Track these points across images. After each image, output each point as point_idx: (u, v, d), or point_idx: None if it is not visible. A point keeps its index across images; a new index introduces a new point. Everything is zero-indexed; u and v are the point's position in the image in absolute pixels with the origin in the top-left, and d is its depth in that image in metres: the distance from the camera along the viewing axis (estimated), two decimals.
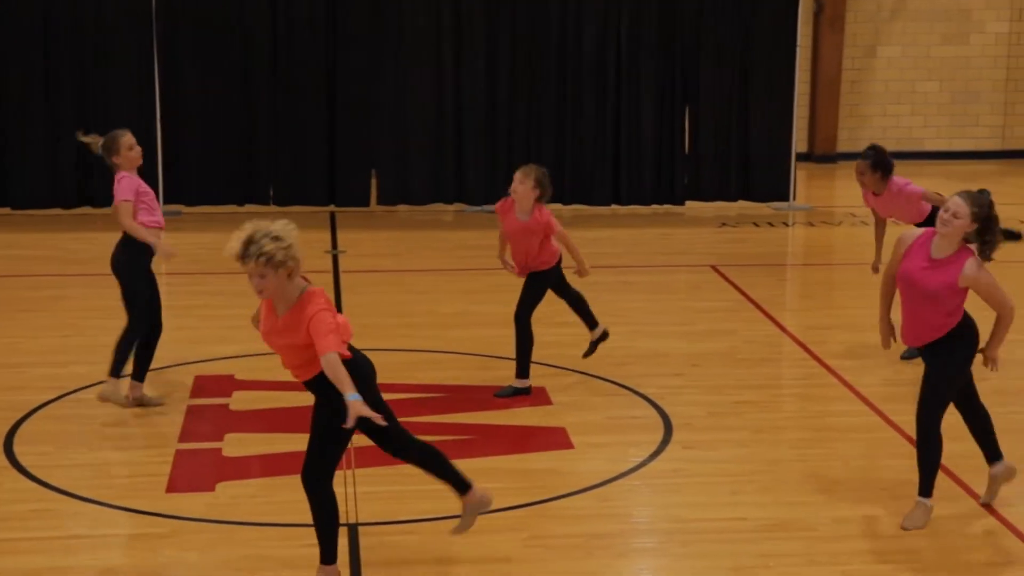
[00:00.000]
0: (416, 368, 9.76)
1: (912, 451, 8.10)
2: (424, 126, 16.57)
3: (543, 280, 9.26)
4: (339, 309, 9.13)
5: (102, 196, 14.98)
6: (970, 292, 6.87)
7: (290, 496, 7.16)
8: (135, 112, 15.65)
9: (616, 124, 16.79)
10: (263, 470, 7.93)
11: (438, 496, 6.79)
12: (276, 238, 5.72)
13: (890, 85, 21.62)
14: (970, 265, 6.79)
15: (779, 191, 17.16)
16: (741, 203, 17.20)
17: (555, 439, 8.47)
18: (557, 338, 10.17)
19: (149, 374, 9.04)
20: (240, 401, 9.12)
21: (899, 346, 8.95)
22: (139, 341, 8.88)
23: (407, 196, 16.81)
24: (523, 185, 9.02)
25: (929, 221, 9.66)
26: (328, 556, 6.21)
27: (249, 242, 5.73)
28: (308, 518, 6.27)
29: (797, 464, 8.05)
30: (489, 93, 16.58)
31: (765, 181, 17.13)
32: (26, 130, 16.00)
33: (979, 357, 7.03)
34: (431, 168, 16.69)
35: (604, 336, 9.71)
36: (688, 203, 17.12)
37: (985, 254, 6.85)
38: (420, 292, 12.54)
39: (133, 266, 8.75)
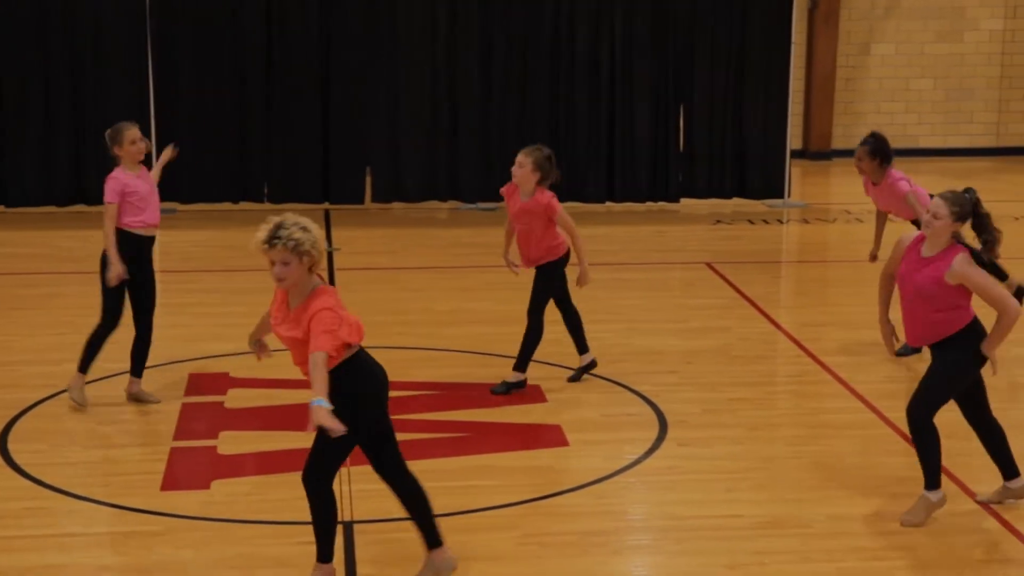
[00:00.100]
0: (411, 366, 9.75)
1: (907, 448, 8.13)
2: (418, 124, 16.57)
3: (551, 272, 9.17)
4: None
5: (96, 194, 14.86)
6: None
7: (285, 494, 7.16)
8: (129, 110, 15.59)
9: (611, 121, 16.80)
10: (258, 468, 7.93)
11: (434, 494, 6.78)
12: (304, 229, 5.88)
13: (884, 82, 21.63)
14: (958, 261, 6.80)
15: (774, 188, 17.18)
16: (736, 200, 17.21)
17: (550, 436, 8.47)
18: (552, 335, 10.13)
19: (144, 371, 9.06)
20: (235, 399, 9.11)
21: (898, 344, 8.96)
22: (134, 338, 8.92)
23: (401, 193, 16.81)
24: (522, 169, 8.94)
25: None
26: (324, 554, 6.21)
27: (279, 227, 5.87)
28: (303, 516, 6.27)
29: (792, 461, 8.05)
30: (483, 91, 16.58)
31: (760, 178, 17.14)
32: (20, 128, 15.97)
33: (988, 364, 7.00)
34: (425, 165, 16.69)
35: (592, 364, 9.57)
36: (683, 200, 17.12)
37: (987, 252, 6.86)
38: (415, 289, 12.53)
39: (106, 262, 8.75)
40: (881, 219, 10.38)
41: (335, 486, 6.18)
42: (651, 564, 6.79)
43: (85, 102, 15.97)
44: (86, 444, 8.35)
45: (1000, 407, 7.39)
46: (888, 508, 7.26)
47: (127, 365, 9.04)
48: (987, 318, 6.93)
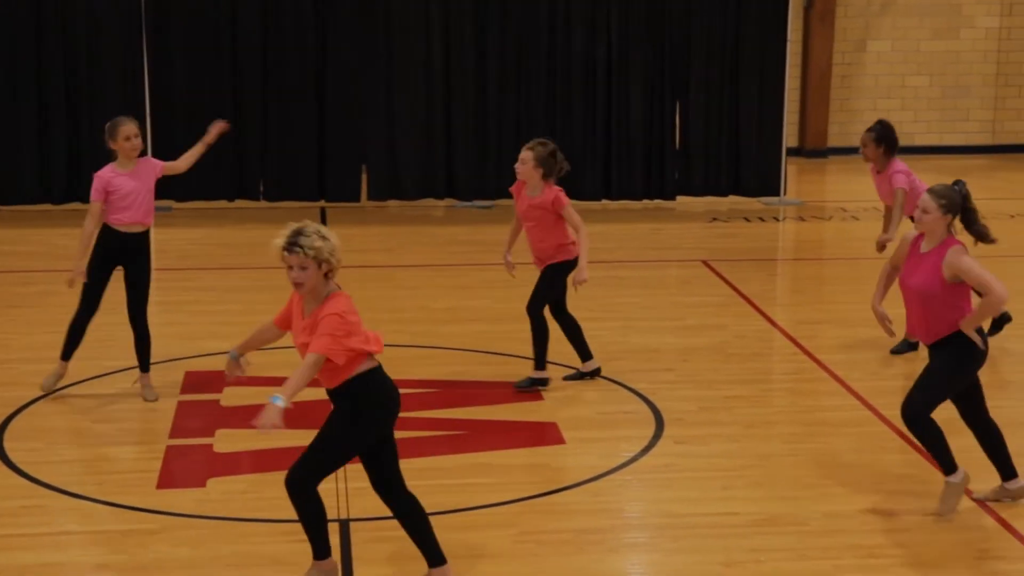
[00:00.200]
0: (408, 363, 9.75)
1: (903, 445, 8.15)
2: (414, 121, 16.55)
3: (559, 273, 9.11)
4: None
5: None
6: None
7: (281, 492, 7.11)
8: (125, 108, 15.53)
9: (606, 119, 16.78)
10: (254, 466, 7.92)
11: (431, 492, 6.78)
12: (324, 237, 5.90)
13: (880, 80, 21.62)
14: (952, 251, 6.85)
15: (770, 186, 17.17)
16: (732, 198, 17.20)
17: (546, 434, 8.47)
18: (553, 333, 10.14)
19: (138, 370, 9.09)
20: (231, 397, 9.10)
21: (891, 340, 8.98)
22: (134, 339, 8.98)
23: (398, 191, 16.79)
24: (524, 165, 8.88)
25: None
26: (320, 552, 6.20)
27: (299, 234, 5.88)
28: None
29: (788, 459, 8.05)
30: (479, 88, 16.57)
31: (755, 176, 17.13)
32: (14, 125, 15.94)
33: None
34: (421, 163, 16.67)
35: (596, 372, 9.48)
36: (679, 198, 17.11)
37: (981, 238, 6.92)
38: (411, 287, 12.53)
39: (93, 258, 8.91)
40: (889, 209, 10.32)
41: (330, 484, 6.17)
42: (647, 562, 6.79)
43: (81, 100, 15.94)
44: (82, 442, 8.35)
45: (995, 405, 7.40)
46: (884, 505, 7.27)
47: (125, 363, 9.07)
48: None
